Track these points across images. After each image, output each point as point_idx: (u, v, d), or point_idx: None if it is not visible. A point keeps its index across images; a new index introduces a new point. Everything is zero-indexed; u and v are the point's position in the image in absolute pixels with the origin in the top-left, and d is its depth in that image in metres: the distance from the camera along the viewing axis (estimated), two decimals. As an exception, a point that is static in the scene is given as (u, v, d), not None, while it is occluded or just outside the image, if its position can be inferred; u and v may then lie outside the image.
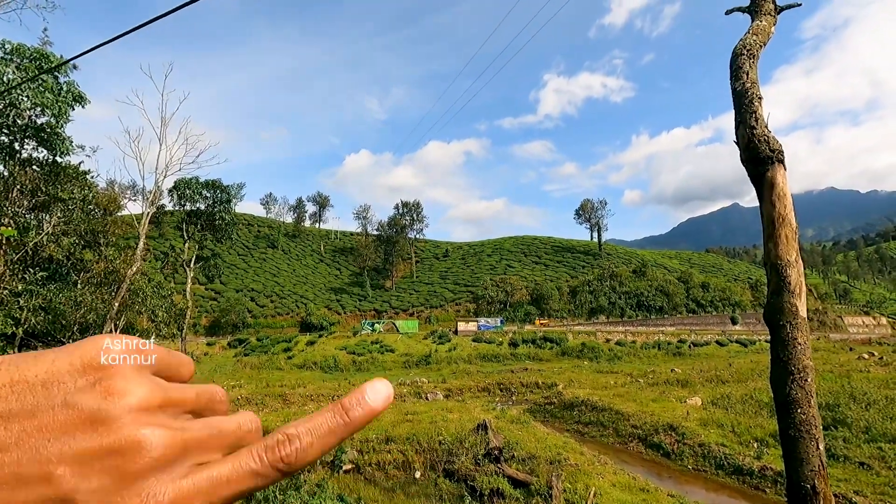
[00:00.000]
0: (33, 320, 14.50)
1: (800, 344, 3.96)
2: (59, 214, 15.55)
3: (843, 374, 28.82)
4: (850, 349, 49.26)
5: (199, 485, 0.34)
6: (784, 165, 4.50)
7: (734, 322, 74.26)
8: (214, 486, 0.34)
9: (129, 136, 15.41)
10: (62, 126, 14.91)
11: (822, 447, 3.77)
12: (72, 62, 15.49)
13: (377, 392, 0.40)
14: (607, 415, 27.14)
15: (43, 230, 15.04)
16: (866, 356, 39.69)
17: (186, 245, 26.57)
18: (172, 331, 20.74)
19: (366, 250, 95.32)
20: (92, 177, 18.56)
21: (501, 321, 66.26)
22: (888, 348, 47.85)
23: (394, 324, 66.43)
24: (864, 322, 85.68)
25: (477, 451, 19.79)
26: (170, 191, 29.71)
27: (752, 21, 5.47)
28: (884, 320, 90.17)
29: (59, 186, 15.58)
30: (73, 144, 15.80)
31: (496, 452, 19.25)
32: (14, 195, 14.76)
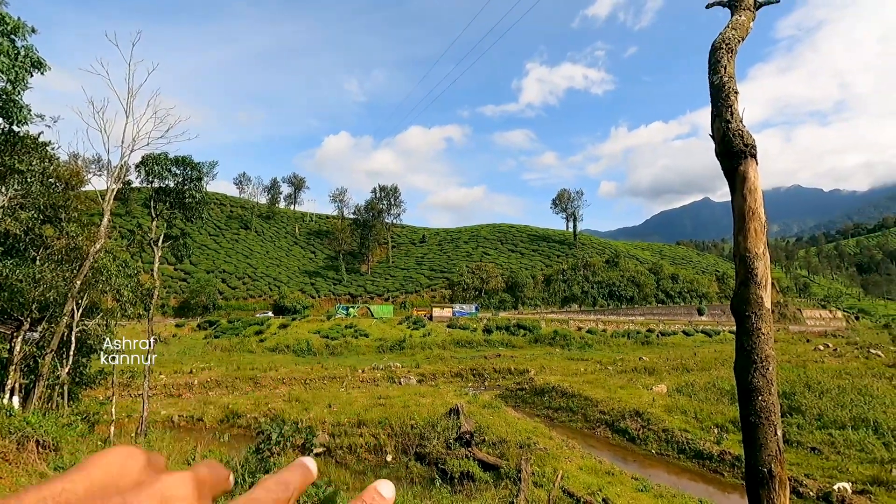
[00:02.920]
0: (-12, 297, 13.87)
1: (763, 334, 4.07)
2: (16, 187, 14.77)
3: (800, 364, 30.18)
4: (808, 341, 51.58)
5: None
6: (756, 160, 4.58)
7: (700, 313, 76.70)
8: None
9: (94, 108, 14.64)
10: (19, 93, 14.07)
11: (779, 433, 3.90)
12: (31, 26, 14.59)
13: (387, 489, 0.50)
14: (577, 401, 27.79)
15: (-2, 203, 14.30)
16: (822, 347, 41.63)
17: (154, 223, 25.71)
18: (139, 311, 20.10)
19: (342, 234, 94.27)
20: (53, 148, 17.64)
21: (476, 308, 66.78)
22: (842, 340, 50.29)
23: (368, 308, 66.20)
24: (821, 315, 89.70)
25: (449, 435, 20.02)
26: (137, 166, 28.62)
27: (732, 15, 5.51)
28: (839, 314, 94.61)
29: (16, 157, 14.75)
30: (32, 113, 14.94)
31: (467, 436, 19.51)
32: (-34, 165, 13.95)
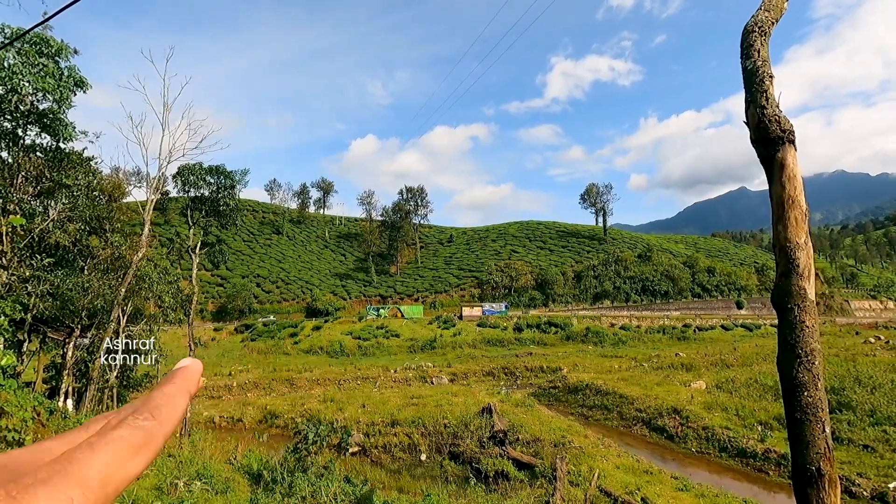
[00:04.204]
0: (41, 306, 14.65)
1: (808, 327, 3.90)
2: (64, 201, 15.58)
3: (849, 357, 28.74)
4: (857, 333, 49.11)
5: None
6: (795, 146, 4.39)
7: (739, 306, 74.05)
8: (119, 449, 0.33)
9: (132, 122, 15.31)
10: (64, 112, 14.84)
11: (828, 430, 3.74)
12: (73, 47, 15.37)
13: (184, 362, 0.48)
14: (611, 398, 27.28)
15: (48, 216, 15.11)
16: (873, 340, 39.59)
17: (191, 231, 26.67)
18: (179, 316, 20.90)
19: (370, 236, 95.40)
20: (96, 163, 18.57)
21: (506, 306, 66.41)
22: (895, 332, 47.67)
23: (399, 309, 66.76)
24: (870, 306, 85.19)
25: (482, 434, 19.99)
26: (174, 177, 29.88)
27: (765, -3, 5.30)
28: (891, 304, 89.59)
29: (63, 173, 15.59)
30: (76, 130, 15.74)
31: (501, 435, 19.44)
32: (19, 182, 14.80)
